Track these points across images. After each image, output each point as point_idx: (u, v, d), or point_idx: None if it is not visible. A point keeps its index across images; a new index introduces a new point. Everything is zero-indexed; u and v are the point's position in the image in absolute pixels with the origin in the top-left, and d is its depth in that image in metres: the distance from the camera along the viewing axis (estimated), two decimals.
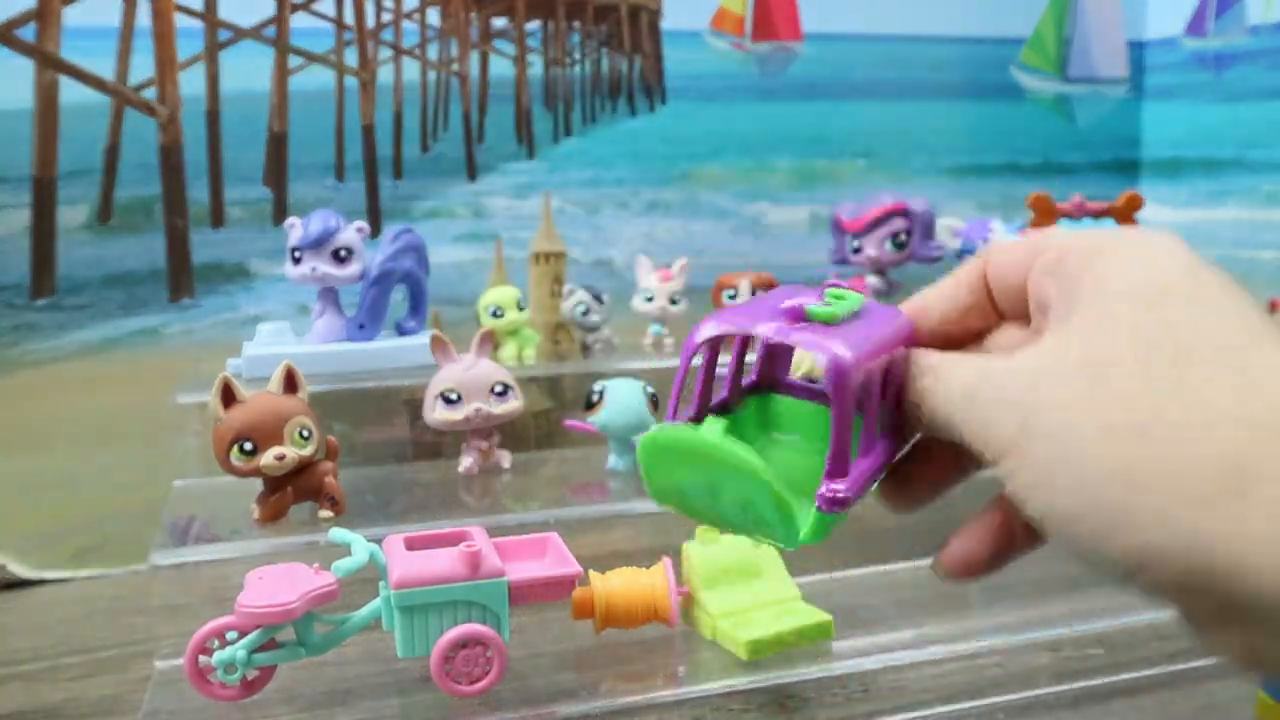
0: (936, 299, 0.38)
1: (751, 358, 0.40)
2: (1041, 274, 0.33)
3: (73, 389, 0.88)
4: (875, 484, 0.38)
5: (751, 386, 0.41)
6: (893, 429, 0.37)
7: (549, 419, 0.94)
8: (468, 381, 0.70)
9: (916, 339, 0.37)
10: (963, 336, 0.37)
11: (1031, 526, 0.30)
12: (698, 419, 0.38)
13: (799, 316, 0.35)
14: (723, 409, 0.40)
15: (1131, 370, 0.28)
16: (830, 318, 0.35)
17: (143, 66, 0.89)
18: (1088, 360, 0.28)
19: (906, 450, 0.38)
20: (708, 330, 0.36)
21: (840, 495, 0.35)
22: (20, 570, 0.86)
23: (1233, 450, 0.25)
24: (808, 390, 0.43)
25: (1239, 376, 0.26)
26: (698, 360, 0.37)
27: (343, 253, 0.75)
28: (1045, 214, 0.85)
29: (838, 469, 0.35)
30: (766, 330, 0.35)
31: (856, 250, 0.89)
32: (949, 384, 0.33)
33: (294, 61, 0.95)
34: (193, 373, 0.76)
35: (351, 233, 0.76)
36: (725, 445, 0.35)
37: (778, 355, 0.42)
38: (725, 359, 0.38)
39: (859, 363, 0.33)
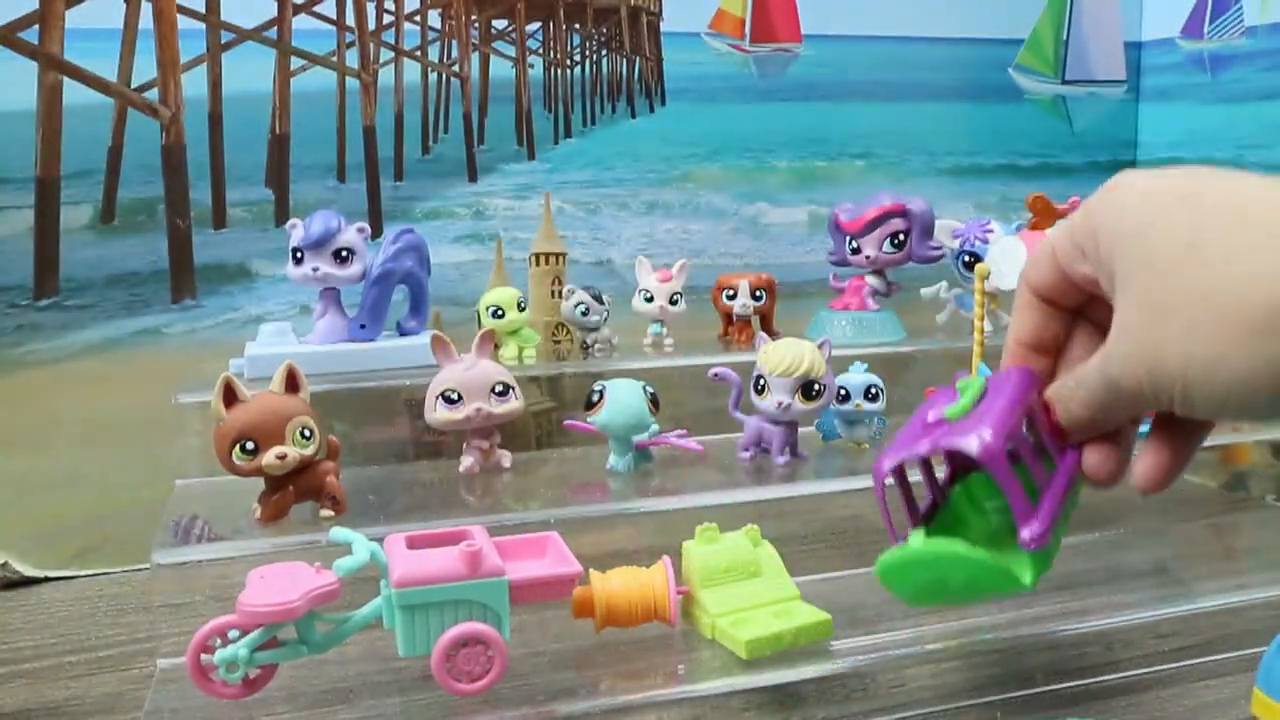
0: (1019, 334, 0.46)
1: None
2: (1070, 266, 0.42)
3: (76, 389, 0.89)
4: (1070, 500, 0.47)
5: (952, 476, 0.51)
6: (1067, 451, 0.46)
7: (549, 419, 0.94)
8: (468, 381, 0.70)
9: (1041, 379, 0.45)
10: (1058, 345, 0.47)
11: (1194, 430, 0.41)
12: (918, 525, 0.48)
13: (941, 423, 0.45)
14: (931, 510, 0.49)
15: (1175, 284, 0.36)
16: (964, 410, 0.45)
17: (145, 68, 0.89)
18: (1149, 301, 0.38)
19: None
20: (887, 464, 0.46)
21: (1034, 534, 0.44)
22: (23, 569, 0.86)
23: None
24: None
25: (1252, 229, 0.35)
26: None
27: (344, 253, 0.76)
28: (1044, 214, 0.85)
29: (1024, 515, 0.44)
30: (923, 449, 0.45)
31: (855, 250, 0.89)
32: (1085, 391, 0.42)
33: (295, 63, 0.95)
34: (195, 373, 0.76)
35: (353, 233, 0.76)
36: (928, 547, 0.45)
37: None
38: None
39: (995, 436, 0.42)
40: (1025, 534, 0.44)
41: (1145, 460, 0.42)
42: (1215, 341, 0.36)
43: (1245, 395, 0.36)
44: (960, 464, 0.53)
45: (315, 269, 0.75)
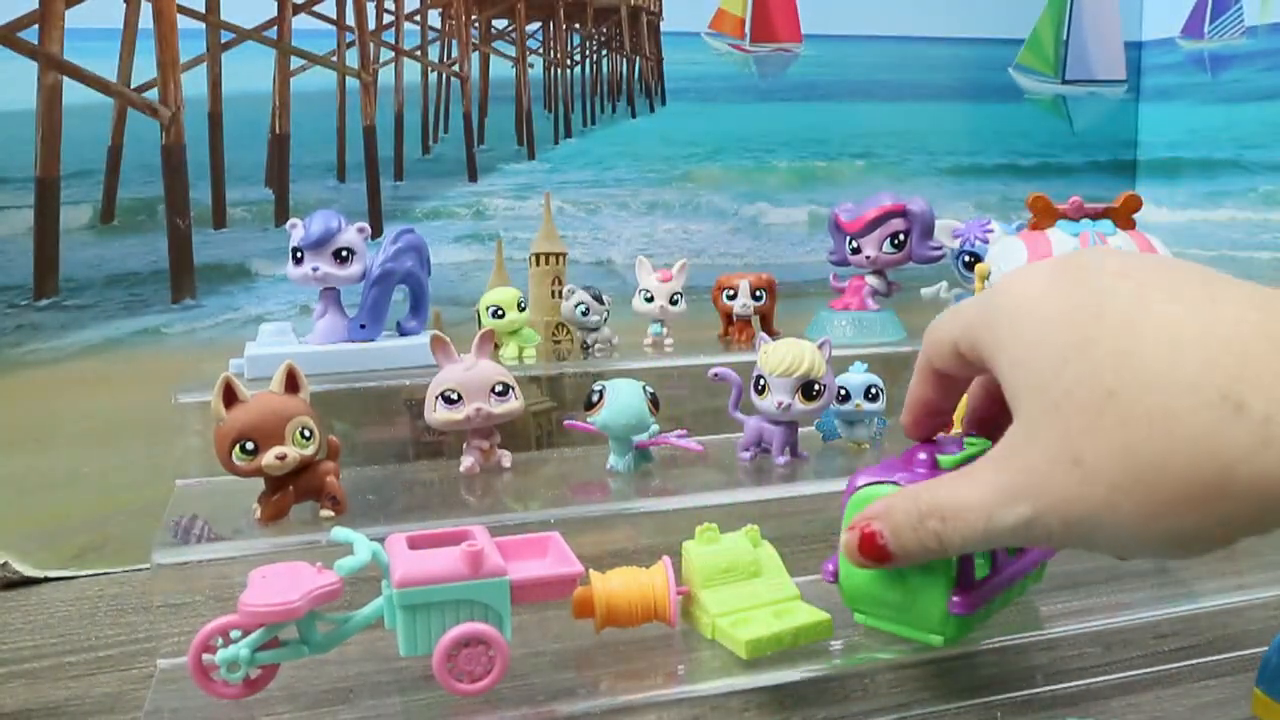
0: (923, 399, 0.49)
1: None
2: (973, 364, 0.43)
3: (75, 389, 0.89)
4: (1018, 586, 0.57)
5: None
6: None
7: (549, 419, 0.94)
8: (468, 381, 0.70)
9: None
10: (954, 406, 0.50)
11: None
12: None
13: (933, 465, 0.49)
14: None
15: (1098, 440, 0.34)
16: (956, 463, 0.48)
17: (145, 68, 0.89)
18: (1066, 452, 0.35)
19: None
20: (862, 480, 0.51)
21: (963, 607, 0.50)
22: (23, 569, 0.86)
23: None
24: None
25: (1179, 372, 0.33)
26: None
27: (344, 253, 0.76)
28: (1044, 214, 0.85)
29: (964, 584, 0.50)
30: (902, 482, 0.50)
31: (855, 250, 0.89)
32: (958, 526, 0.42)
33: (295, 63, 0.95)
34: (195, 373, 0.76)
35: (353, 233, 0.76)
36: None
37: None
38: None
39: None
40: (956, 599, 0.50)
41: None
42: (1149, 504, 0.32)
43: (1182, 545, 0.33)
44: None
45: (315, 269, 0.75)
